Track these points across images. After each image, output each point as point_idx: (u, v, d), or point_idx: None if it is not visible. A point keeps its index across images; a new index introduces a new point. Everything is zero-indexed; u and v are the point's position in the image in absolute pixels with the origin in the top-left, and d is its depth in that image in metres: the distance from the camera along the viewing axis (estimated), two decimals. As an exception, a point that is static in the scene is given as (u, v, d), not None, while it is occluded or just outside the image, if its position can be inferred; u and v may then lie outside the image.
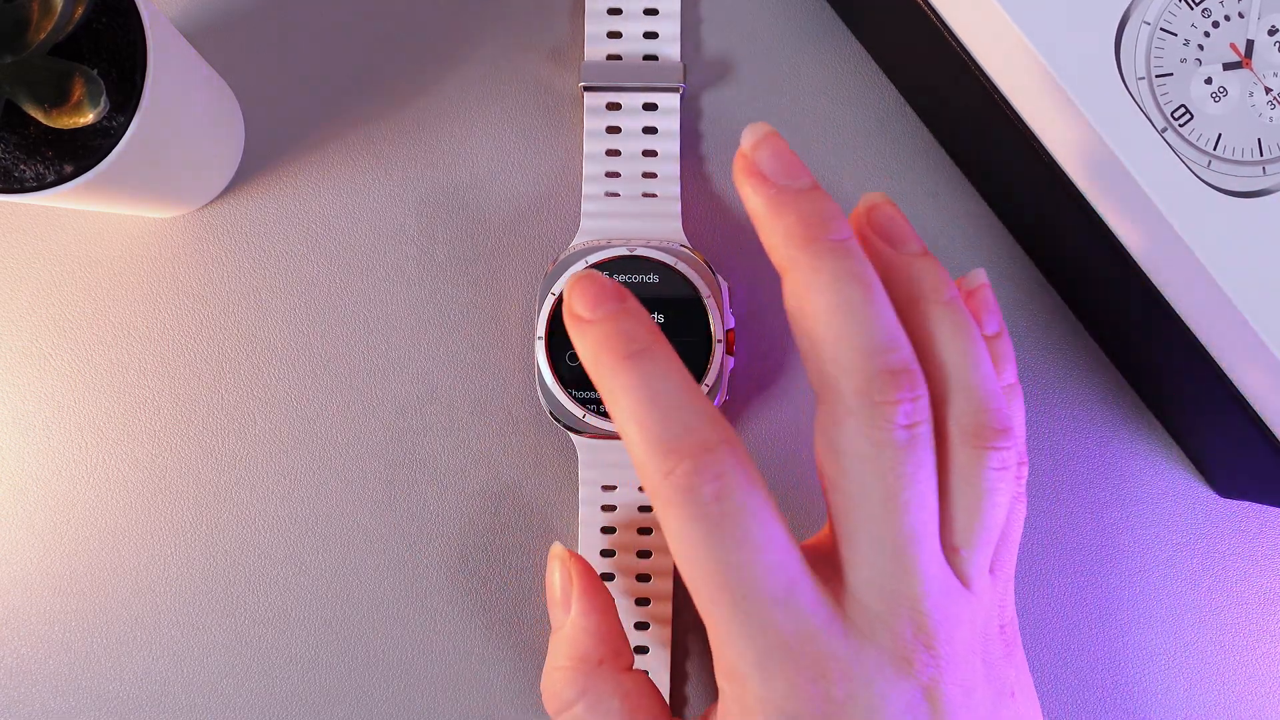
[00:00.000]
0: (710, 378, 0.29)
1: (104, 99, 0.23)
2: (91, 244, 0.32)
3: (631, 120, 0.31)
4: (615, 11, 0.31)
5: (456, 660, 0.32)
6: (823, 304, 0.22)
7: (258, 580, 0.32)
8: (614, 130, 0.31)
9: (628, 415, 0.22)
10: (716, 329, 0.29)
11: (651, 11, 0.31)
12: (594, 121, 0.31)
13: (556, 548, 0.27)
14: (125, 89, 0.25)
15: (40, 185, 0.24)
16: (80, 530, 0.32)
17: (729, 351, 0.29)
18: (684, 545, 0.21)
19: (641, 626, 0.31)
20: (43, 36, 0.23)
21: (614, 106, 0.31)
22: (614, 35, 0.31)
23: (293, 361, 0.32)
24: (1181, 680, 0.32)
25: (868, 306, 0.22)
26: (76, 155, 0.25)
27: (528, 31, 0.32)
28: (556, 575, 0.27)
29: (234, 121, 0.31)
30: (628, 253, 0.29)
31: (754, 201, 0.23)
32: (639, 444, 0.21)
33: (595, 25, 0.31)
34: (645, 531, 0.30)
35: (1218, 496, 0.32)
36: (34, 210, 0.32)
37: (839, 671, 0.22)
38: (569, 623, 0.26)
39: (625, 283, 0.29)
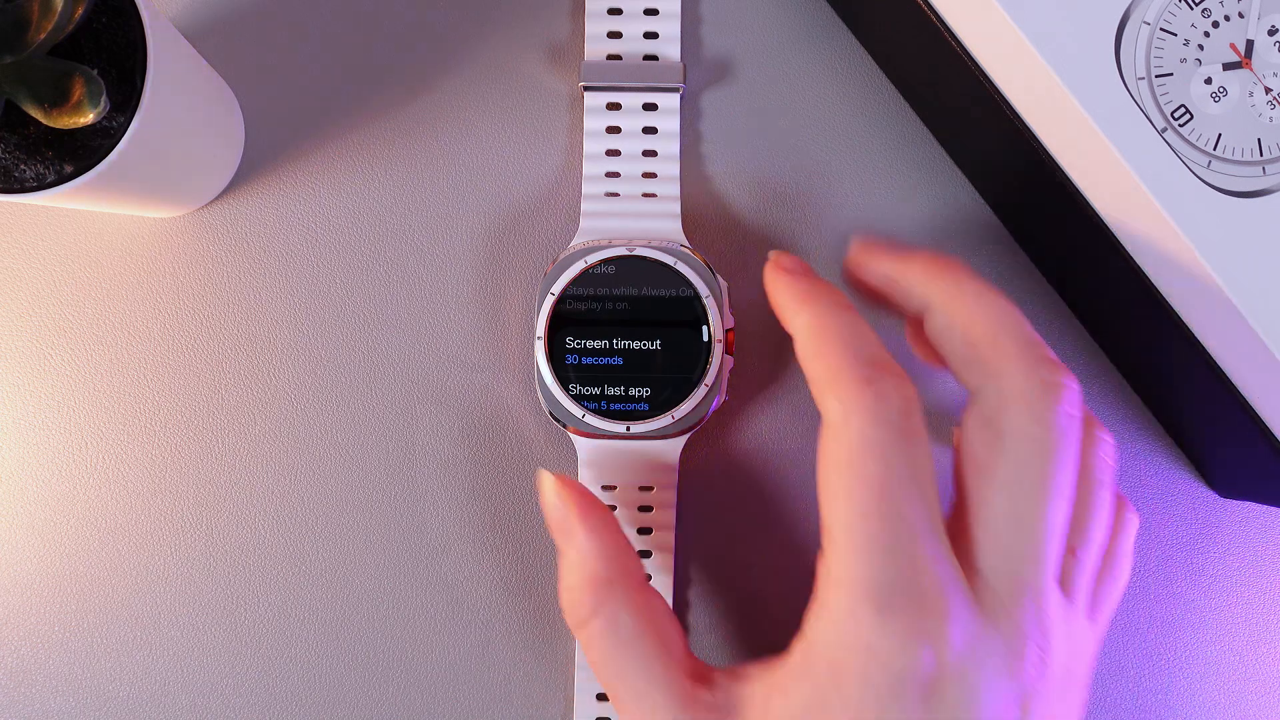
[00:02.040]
0: (710, 377, 0.29)
1: (104, 99, 0.23)
2: (91, 244, 0.32)
3: (631, 120, 0.31)
4: (615, 11, 0.31)
5: (456, 660, 0.32)
6: (979, 307, 0.24)
7: (258, 580, 0.32)
8: (614, 130, 0.31)
9: (835, 329, 0.24)
10: (716, 328, 0.29)
11: (652, 11, 0.31)
12: (594, 121, 0.31)
13: (544, 477, 0.27)
14: (125, 89, 0.25)
15: (40, 185, 0.24)
16: (80, 530, 0.32)
17: (729, 351, 0.29)
18: (857, 447, 0.23)
19: None
20: (43, 36, 0.23)
21: (614, 106, 0.31)
22: (614, 35, 0.31)
23: (293, 361, 0.32)
24: (1182, 680, 0.32)
25: (1017, 311, 0.25)
26: (76, 155, 0.25)
27: (528, 31, 0.32)
28: (552, 501, 0.27)
29: (234, 121, 0.31)
30: (627, 252, 0.29)
31: (884, 268, 0.26)
32: (839, 350, 0.24)
33: (595, 25, 0.31)
34: (645, 531, 0.30)
35: (1218, 496, 0.32)
36: (34, 210, 0.32)
37: (958, 639, 0.22)
38: (576, 546, 0.26)
39: (625, 282, 0.29)
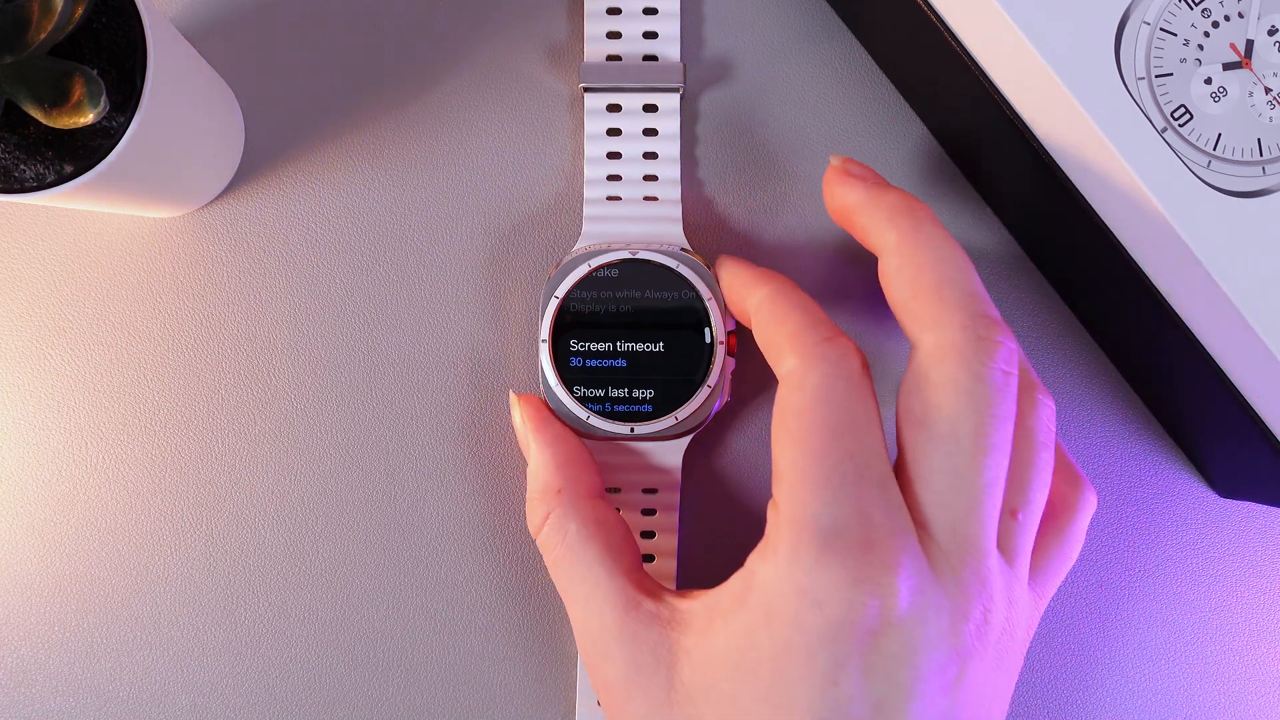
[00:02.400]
0: (712, 378, 0.29)
1: (104, 99, 0.23)
2: (91, 244, 0.32)
3: (631, 122, 0.31)
4: (614, 11, 0.31)
5: (456, 660, 0.32)
6: (930, 256, 0.24)
7: (258, 580, 0.32)
8: (614, 133, 0.31)
9: (793, 300, 0.25)
10: (718, 330, 0.29)
11: (651, 11, 0.31)
12: (594, 124, 0.31)
13: (511, 395, 0.29)
14: (125, 89, 0.25)
15: (40, 185, 0.24)
16: (80, 530, 0.32)
17: (730, 352, 0.29)
18: (815, 394, 0.23)
19: None
20: (43, 36, 0.23)
21: (614, 108, 0.31)
22: (613, 35, 0.31)
23: (293, 361, 0.32)
24: (1182, 680, 0.32)
25: (969, 263, 0.25)
26: (76, 155, 0.25)
27: (528, 31, 0.32)
28: (516, 420, 0.29)
29: (234, 121, 0.31)
30: (630, 255, 0.29)
31: (854, 195, 0.26)
32: (798, 316, 0.25)
33: (595, 25, 0.31)
34: (648, 535, 0.30)
35: (1218, 496, 0.32)
36: (34, 210, 0.32)
37: (905, 592, 0.22)
38: (533, 458, 0.28)
39: (628, 285, 0.29)
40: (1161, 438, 0.32)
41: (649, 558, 0.30)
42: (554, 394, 0.29)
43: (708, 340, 0.29)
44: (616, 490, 0.30)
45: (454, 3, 0.32)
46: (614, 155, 0.31)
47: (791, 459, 0.23)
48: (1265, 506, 0.32)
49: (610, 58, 0.31)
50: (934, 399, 0.23)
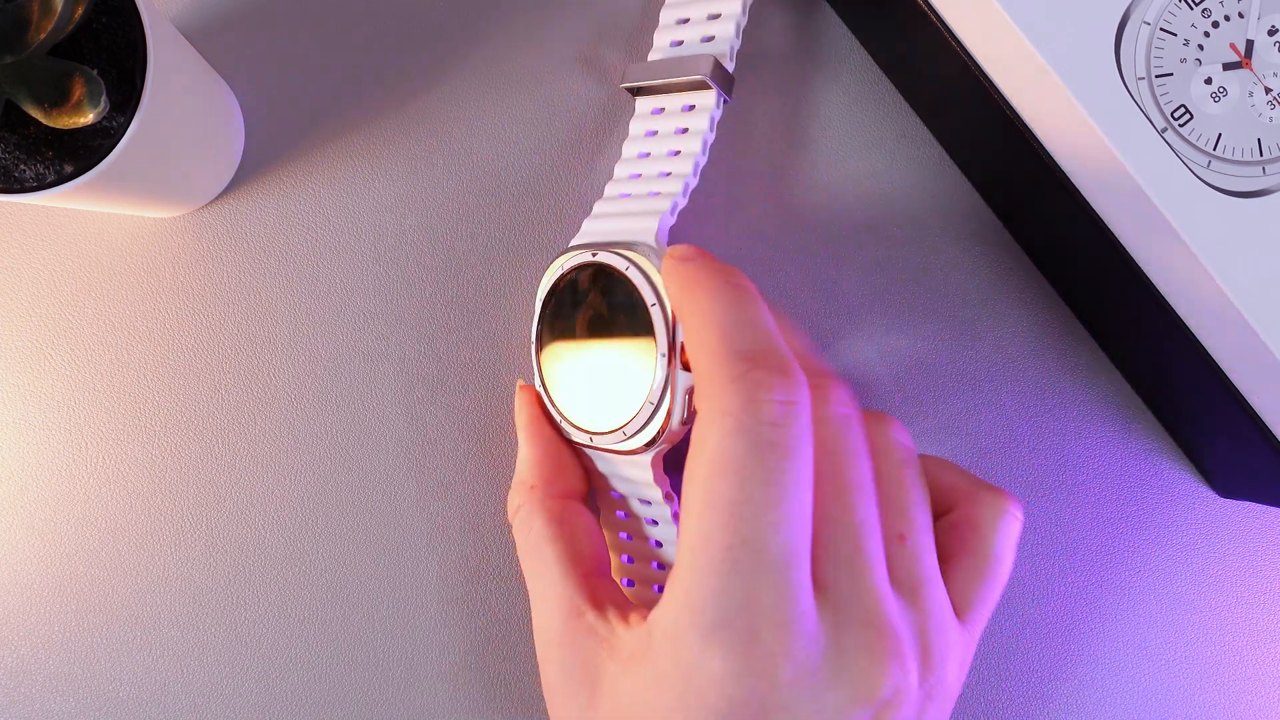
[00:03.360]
0: (654, 394, 0.26)
1: (104, 99, 0.23)
2: (91, 244, 0.32)
3: (668, 123, 0.30)
4: (683, 21, 0.31)
5: (456, 660, 0.32)
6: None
7: (258, 580, 0.32)
8: (652, 134, 0.30)
9: (715, 318, 0.22)
10: (662, 343, 0.26)
11: (714, 16, 0.30)
12: (638, 127, 0.30)
13: (519, 384, 0.29)
14: (125, 89, 0.25)
15: (40, 185, 0.24)
16: (80, 530, 0.32)
17: (685, 366, 0.27)
18: (712, 461, 0.21)
19: None
20: (43, 36, 0.23)
21: (658, 111, 0.30)
22: (676, 44, 0.30)
23: (293, 361, 0.32)
24: (1182, 680, 0.32)
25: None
26: (76, 155, 0.25)
27: (528, 30, 0.32)
28: (515, 409, 0.29)
29: (234, 121, 0.31)
30: (590, 258, 0.27)
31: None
32: (714, 342, 0.22)
33: (667, 16, 0.31)
34: (658, 545, 0.30)
35: (1218, 496, 0.32)
36: (34, 210, 0.32)
37: (788, 673, 0.21)
38: (519, 452, 0.28)
39: (593, 288, 0.27)
40: (1161, 438, 0.32)
41: (660, 566, 0.29)
42: (543, 394, 0.28)
43: (653, 352, 0.25)
44: (622, 498, 0.29)
45: (454, 2, 0.32)
46: (644, 155, 0.30)
47: (685, 533, 0.21)
48: (1265, 506, 0.32)
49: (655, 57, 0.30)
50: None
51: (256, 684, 0.32)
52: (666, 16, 0.31)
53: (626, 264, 0.26)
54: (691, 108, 0.29)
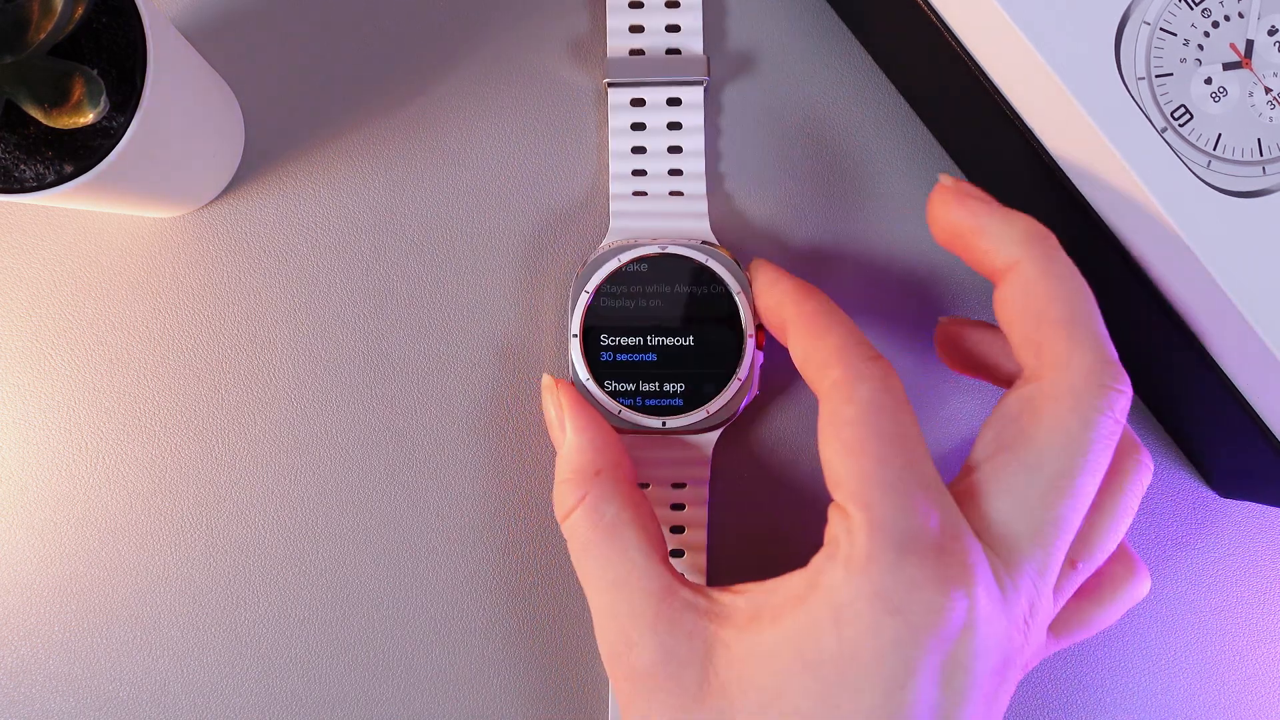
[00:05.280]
0: (742, 371, 0.29)
1: (104, 99, 0.23)
2: (91, 244, 0.32)
3: (655, 116, 0.31)
4: (637, 5, 0.31)
5: (457, 661, 0.32)
6: (1061, 289, 0.24)
7: (258, 580, 0.32)
8: (639, 127, 0.31)
9: (836, 316, 0.26)
10: (747, 323, 0.29)
11: (673, 4, 0.31)
12: (618, 119, 0.31)
13: (546, 379, 0.29)
14: (125, 89, 0.25)
15: (40, 185, 0.24)
16: (80, 530, 0.32)
17: (759, 346, 0.29)
18: (871, 405, 0.23)
19: None
20: (43, 36, 0.23)
21: (638, 102, 0.31)
22: (636, 29, 0.31)
23: (293, 361, 0.32)
24: (1182, 680, 0.32)
25: (1094, 302, 0.24)
26: (76, 155, 0.25)
27: (527, 28, 0.32)
28: (549, 403, 0.28)
29: (234, 121, 0.31)
30: (660, 250, 0.30)
31: (976, 217, 0.25)
32: (843, 332, 0.25)
33: (617, 19, 0.31)
34: (678, 530, 0.30)
35: (1218, 496, 0.32)
36: (34, 210, 0.32)
37: (983, 594, 0.22)
38: (566, 441, 0.27)
39: (657, 280, 0.30)
40: (1161, 438, 0.32)
41: (678, 552, 0.30)
42: (585, 388, 0.29)
43: (738, 334, 0.29)
44: (645, 485, 0.30)
45: (455, 2, 0.32)
46: (639, 150, 0.31)
47: (852, 467, 0.23)
48: (1265, 506, 0.32)
49: (633, 52, 0.31)
50: (1034, 432, 0.23)
51: (256, 684, 0.32)
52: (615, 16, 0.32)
53: (705, 256, 0.29)
54: (678, 101, 0.31)
